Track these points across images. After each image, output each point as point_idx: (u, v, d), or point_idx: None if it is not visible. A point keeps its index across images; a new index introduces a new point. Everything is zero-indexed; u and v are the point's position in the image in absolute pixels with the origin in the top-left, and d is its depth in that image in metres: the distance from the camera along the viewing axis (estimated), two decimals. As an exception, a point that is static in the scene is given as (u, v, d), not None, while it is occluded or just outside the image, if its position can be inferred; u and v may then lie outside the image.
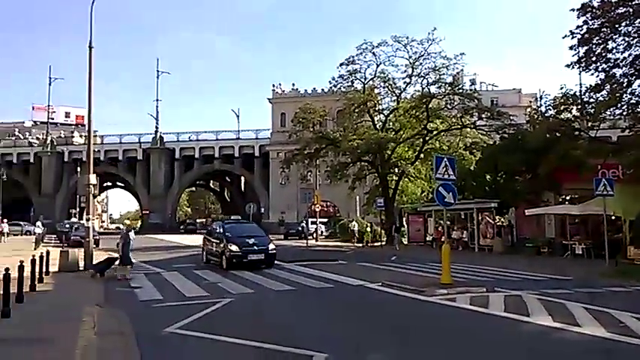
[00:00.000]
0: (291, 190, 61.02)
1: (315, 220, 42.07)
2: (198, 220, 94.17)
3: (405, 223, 38.08)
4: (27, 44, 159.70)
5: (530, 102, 35.49)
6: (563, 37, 22.78)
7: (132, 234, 18.98)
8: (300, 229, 44.76)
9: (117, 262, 15.72)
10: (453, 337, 7.76)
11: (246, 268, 16.70)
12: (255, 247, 17.67)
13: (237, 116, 76.77)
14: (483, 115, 34.40)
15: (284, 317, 9.65)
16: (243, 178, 77.17)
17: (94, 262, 16.80)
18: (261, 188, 67.43)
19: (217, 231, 19.52)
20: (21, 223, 51.83)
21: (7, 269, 8.55)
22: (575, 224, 23.68)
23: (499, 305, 9.95)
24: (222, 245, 17.99)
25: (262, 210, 62.92)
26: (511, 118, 32.92)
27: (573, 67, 23.02)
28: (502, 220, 28.98)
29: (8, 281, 8.42)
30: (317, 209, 40.69)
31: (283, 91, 66.89)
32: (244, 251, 17.31)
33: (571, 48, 22.66)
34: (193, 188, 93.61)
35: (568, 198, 25.71)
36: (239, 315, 9.71)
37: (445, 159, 13.87)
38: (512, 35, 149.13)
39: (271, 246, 18.16)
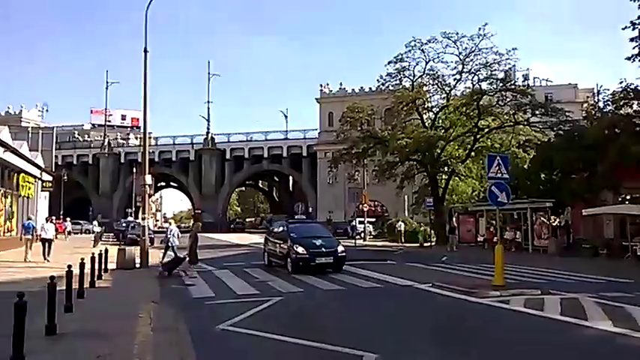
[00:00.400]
0: (338, 190, 61.09)
1: (362, 219, 41.95)
2: (247, 220, 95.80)
3: (455, 223, 37.44)
4: (84, 49, 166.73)
5: (588, 97, 34.17)
6: (623, 29, 21.86)
7: (174, 227, 19.76)
8: (348, 228, 44.72)
9: (184, 261, 15.93)
10: (505, 340, 7.57)
11: (314, 272, 15.30)
12: (323, 249, 16.20)
13: (286, 117, 77.72)
14: (537, 112, 33.38)
15: (333, 316, 9.68)
16: (291, 178, 77.92)
17: (156, 260, 17.36)
18: (309, 188, 67.84)
19: (280, 231, 18.19)
20: (81, 222, 54.15)
21: (69, 266, 8.96)
22: (636, 225, 22.60)
23: (555, 308, 9.63)
24: (286, 247, 16.59)
25: (310, 209, 63.26)
26: (567, 114, 31.80)
27: (634, 60, 22.04)
28: (557, 220, 28.02)
29: (71, 278, 8.82)
30: (365, 209, 40.56)
31: (331, 90, 67.03)
32: (311, 254, 15.86)
33: (632, 40, 21.72)
34: (243, 188, 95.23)
35: (628, 197, 24.58)
36: (288, 313, 9.81)
37: (498, 157, 13.56)
38: (568, 28, 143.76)
39: (340, 248, 16.65)
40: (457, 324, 8.79)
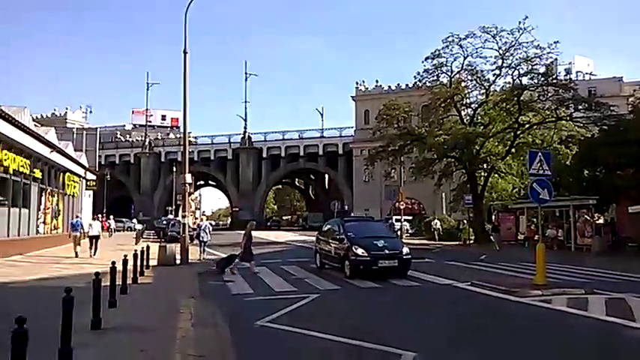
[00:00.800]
0: (374, 188, 60.86)
1: (399, 217, 41.62)
2: (284, 217, 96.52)
3: (497, 221, 36.76)
4: (126, 52, 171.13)
5: (635, 91, 32.82)
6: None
7: (206, 223, 20.62)
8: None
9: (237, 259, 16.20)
10: (547, 340, 7.39)
11: (376, 277, 13.68)
12: (387, 251, 14.18)
13: (321, 115, 78.18)
14: (580, 107, 32.37)
15: (370, 314, 9.66)
16: (327, 176, 78.10)
17: (196, 257, 17.71)
18: (345, 186, 67.82)
19: (335, 230, 16.18)
20: (123, 219, 55.71)
21: (113, 263, 9.23)
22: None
23: (600, 308, 9.33)
24: (343, 248, 14.76)
25: (346, 207, 63.25)
26: (611, 108, 30.71)
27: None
28: (602, 217, 27.14)
29: (115, 274, 9.09)
30: (401, 206, 40.23)
31: (367, 88, 66.79)
32: (373, 256, 13.92)
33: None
34: (279, 186, 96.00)
35: (678, 194, 23.58)
36: (326, 311, 9.84)
37: (540, 153, 13.23)
38: (612, 20, 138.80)
39: (405, 249, 14.60)
40: (497, 323, 8.63)
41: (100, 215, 24.71)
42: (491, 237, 29.71)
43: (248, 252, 15.98)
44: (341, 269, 14.71)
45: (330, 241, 15.99)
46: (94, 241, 20.03)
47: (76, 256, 19.23)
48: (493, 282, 12.71)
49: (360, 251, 14.06)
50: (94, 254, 19.42)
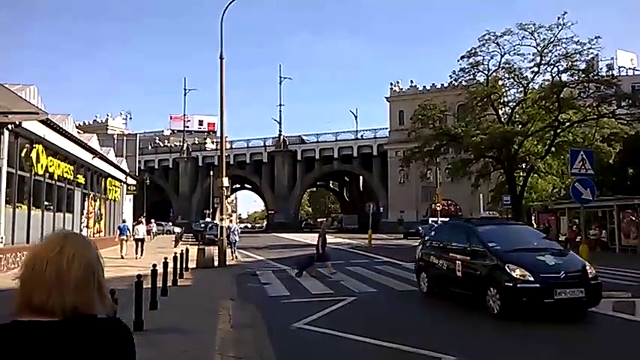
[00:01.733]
0: (410, 189, 60.28)
1: (435, 219, 41.08)
2: (319, 220, 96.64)
3: (534, 222, 35.88)
4: (164, 59, 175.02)
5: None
6: None
7: (235, 225, 21.10)
8: (420, 228, 43.98)
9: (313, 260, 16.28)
10: (594, 345, 7.18)
11: (547, 317, 8.66)
12: (563, 274, 9.02)
13: (355, 117, 78.06)
14: (623, 103, 31.35)
15: (408, 317, 9.58)
16: (361, 178, 77.85)
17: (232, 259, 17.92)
18: (380, 187, 67.46)
19: (460, 237, 10.92)
20: (162, 223, 56.89)
21: (154, 266, 9.45)
22: None
23: (648, 312, 9.00)
24: (482, 267, 9.73)
25: (381, 209, 62.87)
26: (657, 104, 29.64)
27: None
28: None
29: (155, 277, 9.30)
30: (438, 208, 39.75)
31: (401, 89, 66.33)
32: (544, 281, 8.74)
33: None
34: (314, 188, 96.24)
35: None
36: (363, 313, 9.80)
37: (581, 152, 12.88)
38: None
39: (590, 270, 9.37)
40: (538, 327, 8.41)
41: (143, 219, 25.95)
42: None
43: (323, 252, 16.10)
44: (475, 299, 9.68)
45: (452, 254, 10.74)
46: (139, 243, 21.25)
47: (122, 257, 20.17)
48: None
49: (518, 273, 8.85)
50: (141, 256, 20.40)
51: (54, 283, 1.31)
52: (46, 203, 18.58)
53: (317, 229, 76.32)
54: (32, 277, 1.33)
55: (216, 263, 18.34)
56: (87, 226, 24.30)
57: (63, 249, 1.35)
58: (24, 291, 1.33)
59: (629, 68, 60.76)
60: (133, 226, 23.41)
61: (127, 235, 21.70)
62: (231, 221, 26.51)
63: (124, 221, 23.88)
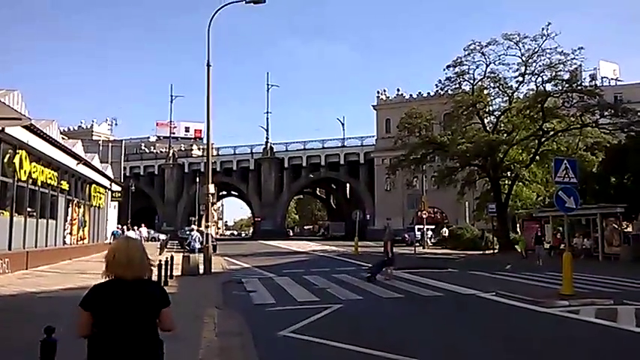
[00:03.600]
0: (396, 197, 60.45)
1: (421, 226, 41.26)
2: (305, 227, 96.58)
3: (519, 229, 36.21)
4: (150, 65, 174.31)
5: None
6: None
7: (196, 233, 23.60)
8: (406, 235, 44.10)
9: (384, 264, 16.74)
10: (576, 352, 7.24)
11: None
12: None
13: (343, 124, 78.02)
14: (606, 113, 31.86)
15: (393, 325, 9.58)
16: (348, 185, 77.99)
17: (219, 268, 17.80)
18: (367, 195, 67.63)
19: None
20: (144, 230, 56.29)
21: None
22: None
23: (629, 319, 9.10)
24: None
25: (368, 217, 62.96)
26: (638, 114, 30.12)
27: None
28: (630, 226, 26.52)
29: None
30: (424, 215, 39.93)
31: (388, 97, 66.73)
32: None
33: None
34: (301, 196, 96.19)
35: None
36: (348, 321, 9.79)
37: (565, 161, 13.09)
38: (636, 24, 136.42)
39: None
40: (523, 334, 8.48)
41: (137, 226, 27.03)
42: (536, 249, 24.86)
43: (392, 256, 16.68)
44: None
45: None
46: None
47: None
48: (518, 292, 12.50)
49: None
50: None
51: (125, 264, 2.84)
52: (29, 210, 18.31)
53: (306, 236, 76.48)
54: (114, 261, 2.86)
55: (201, 271, 18.20)
56: (70, 233, 23.99)
57: (128, 245, 2.97)
58: (110, 268, 2.86)
59: (612, 79, 61.77)
60: (124, 231, 24.14)
61: None
62: (192, 229, 27.33)
63: (117, 227, 25.61)
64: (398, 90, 66.61)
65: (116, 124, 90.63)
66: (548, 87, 33.43)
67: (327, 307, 10.74)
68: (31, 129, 16.69)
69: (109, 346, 2.76)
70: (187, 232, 39.67)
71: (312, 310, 10.39)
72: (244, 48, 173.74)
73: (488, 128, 35.92)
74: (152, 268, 3.15)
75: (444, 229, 38.32)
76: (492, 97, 37.09)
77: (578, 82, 33.70)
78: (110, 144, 44.62)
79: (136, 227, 26.00)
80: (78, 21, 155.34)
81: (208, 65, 19.52)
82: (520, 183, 36.30)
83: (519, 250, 26.54)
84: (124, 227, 26.47)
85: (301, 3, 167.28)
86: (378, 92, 67.63)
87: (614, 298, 11.29)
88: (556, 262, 17.92)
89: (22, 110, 15.91)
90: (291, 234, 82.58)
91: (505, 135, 35.06)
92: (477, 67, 35.30)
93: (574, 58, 32.03)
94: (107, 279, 2.86)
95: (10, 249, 16.14)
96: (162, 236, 42.19)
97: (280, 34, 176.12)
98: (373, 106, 67.46)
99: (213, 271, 18.69)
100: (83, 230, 26.61)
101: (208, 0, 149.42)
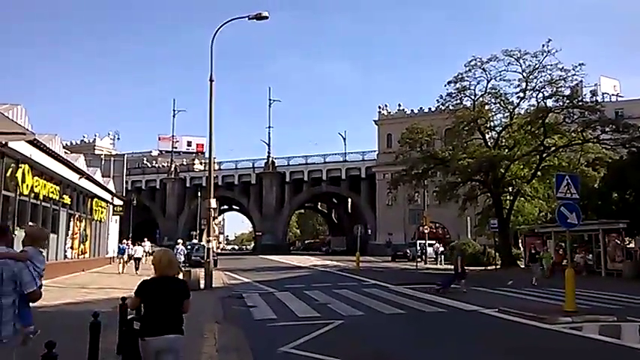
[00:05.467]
0: (398, 212, 60.45)
1: (423, 241, 41.12)
2: (307, 242, 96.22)
3: (520, 245, 36.06)
4: (153, 80, 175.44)
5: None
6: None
7: (181, 247, 25.74)
8: (408, 251, 43.92)
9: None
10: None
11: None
12: None
13: (344, 139, 78.21)
14: (607, 129, 31.90)
15: (395, 341, 9.52)
16: (350, 200, 77.92)
17: (220, 282, 17.72)
18: (368, 210, 67.53)
19: None
20: (145, 244, 56.12)
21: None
22: None
23: (633, 336, 9.04)
24: None
25: (369, 231, 62.86)
26: (640, 129, 30.18)
27: None
28: (633, 242, 26.41)
29: (140, 298, 9.15)
30: (425, 231, 39.83)
31: (389, 112, 66.98)
32: None
33: None
34: (302, 210, 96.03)
35: None
36: (350, 337, 9.73)
37: (567, 177, 13.04)
38: (636, 40, 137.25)
39: None
40: (526, 351, 8.41)
41: (143, 241, 29.15)
42: (531, 267, 24.06)
43: (463, 271, 18.34)
44: None
45: None
46: (137, 261, 25.14)
47: (120, 274, 23.72)
48: (521, 308, 12.42)
49: None
50: (139, 272, 22.98)
51: (166, 266, 4.49)
52: (30, 224, 18.28)
53: (308, 251, 76.15)
54: (158, 265, 4.48)
55: (202, 285, 18.12)
56: (71, 247, 23.94)
57: (165, 253, 4.70)
58: (156, 269, 4.48)
59: (613, 94, 61.98)
60: (130, 247, 26.62)
61: (127, 254, 25.71)
62: (178, 243, 28.09)
63: (124, 242, 27.36)
64: (399, 105, 66.93)
65: (118, 139, 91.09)
66: (549, 103, 33.59)
67: (328, 323, 10.67)
68: (34, 143, 16.75)
69: (153, 319, 4.36)
70: (188, 247, 39.75)
71: (313, 325, 10.33)
72: (247, 63, 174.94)
73: (489, 144, 35.99)
74: (180, 269, 5.17)
75: (437, 245, 38.50)
76: (493, 113, 37.23)
77: (579, 98, 33.81)
78: (112, 158, 44.57)
79: (130, 243, 27.11)
80: (80, 35, 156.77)
81: (211, 80, 19.64)
82: (522, 198, 36.25)
83: (543, 268, 23.31)
84: (129, 242, 27.73)
85: (303, 19, 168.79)
86: (380, 107, 67.93)
87: (618, 315, 11.20)
88: (558, 278, 17.91)
89: (26, 125, 15.99)
90: (292, 249, 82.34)
91: (506, 150, 35.11)
92: (478, 83, 35.51)
93: (575, 74, 32.20)
94: (153, 275, 4.52)
95: (10, 263, 16.08)
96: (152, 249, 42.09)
97: (282, 49, 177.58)
98: (375, 121, 67.69)
99: (213, 285, 18.62)
100: (84, 244, 26.56)
101: (212, 16, 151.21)
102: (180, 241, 30.08)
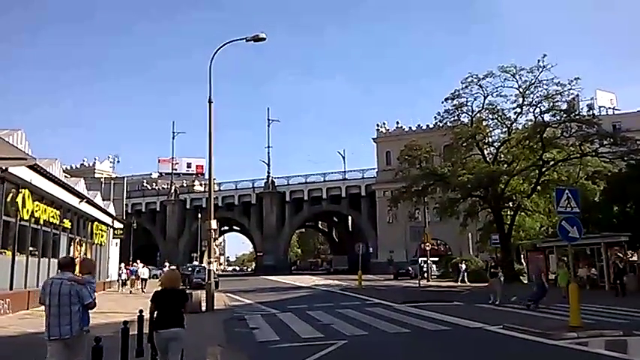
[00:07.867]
0: (399, 229, 60.25)
1: (425, 259, 40.93)
2: (308, 260, 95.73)
3: (523, 260, 35.90)
4: (152, 102, 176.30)
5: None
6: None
7: (141, 267, 29.50)
8: (410, 268, 43.66)
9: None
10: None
11: None
12: None
13: (343, 157, 78.32)
14: (605, 142, 32.07)
15: (400, 360, 9.42)
16: (350, 218, 77.77)
17: (222, 304, 17.60)
18: (369, 227, 67.36)
19: None
20: (149, 267, 55.89)
21: (140, 311, 9.25)
22: None
23: (640, 351, 8.95)
24: None
25: (371, 250, 62.57)
26: (638, 142, 30.31)
27: None
28: (635, 255, 26.29)
29: (142, 323, 9.09)
30: (427, 248, 39.68)
31: (387, 130, 67.26)
32: None
33: None
34: (303, 229, 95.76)
35: None
36: (354, 358, 9.63)
37: (567, 191, 13.05)
38: (632, 53, 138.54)
39: None
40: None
41: (144, 264, 31.86)
42: (489, 284, 21.72)
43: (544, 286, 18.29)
44: None
45: None
46: (144, 282, 28.93)
47: (130, 292, 27.14)
48: (526, 324, 12.31)
49: None
50: (145, 290, 26.90)
51: (173, 281, 6.49)
52: (31, 249, 18.25)
53: (309, 271, 75.77)
54: (167, 280, 6.55)
55: (203, 308, 17.98)
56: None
57: (173, 272, 7.05)
58: (164, 284, 6.48)
59: (609, 108, 62.28)
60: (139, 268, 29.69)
61: (136, 275, 29.49)
62: (137, 263, 30.85)
63: (134, 265, 30.74)
64: (397, 123, 67.28)
65: (118, 162, 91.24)
66: (547, 117, 33.83)
67: (331, 344, 10.57)
68: (35, 168, 16.79)
69: (163, 318, 6.01)
70: (189, 269, 39.50)
71: (316, 347, 10.22)
72: (246, 83, 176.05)
73: (488, 159, 36.12)
74: (181, 284, 6.96)
75: (429, 262, 38.60)
76: (491, 129, 37.43)
77: (576, 112, 34.04)
78: (112, 181, 44.71)
79: (140, 264, 30.94)
80: (78, 57, 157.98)
81: (210, 102, 19.73)
82: (522, 213, 36.22)
83: (561, 286, 20.69)
84: (139, 264, 30.86)
85: (300, 38, 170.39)
86: (378, 125, 68.25)
87: (623, 329, 11.11)
88: (559, 293, 17.83)
89: (26, 149, 16.07)
90: (294, 268, 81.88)
91: (505, 166, 35.21)
92: (475, 99, 35.80)
93: (571, 89, 32.51)
94: (162, 288, 6.33)
95: (11, 289, 16.02)
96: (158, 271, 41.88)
97: (280, 69, 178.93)
98: (373, 139, 67.93)
99: (215, 307, 18.45)
100: (85, 268, 26.42)
101: (210, 37, 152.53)
102: (167, 264, 33.35)
